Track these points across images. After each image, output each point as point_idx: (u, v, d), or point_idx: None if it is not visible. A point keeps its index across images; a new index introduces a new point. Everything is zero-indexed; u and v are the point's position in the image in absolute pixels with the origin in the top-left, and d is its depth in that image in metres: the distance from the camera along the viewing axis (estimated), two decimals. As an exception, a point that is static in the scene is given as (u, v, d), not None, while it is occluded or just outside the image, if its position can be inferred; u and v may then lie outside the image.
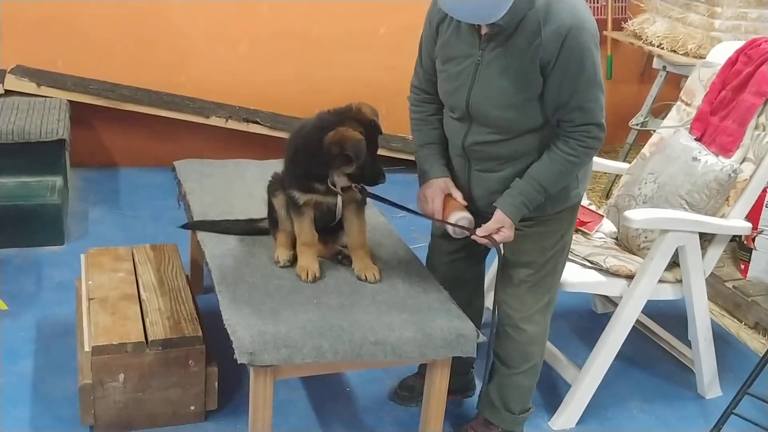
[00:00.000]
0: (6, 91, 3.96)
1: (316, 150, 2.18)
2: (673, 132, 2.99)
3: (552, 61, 2.06)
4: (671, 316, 3.25)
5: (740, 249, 3.68)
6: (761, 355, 2.93)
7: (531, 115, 2.15)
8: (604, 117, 2.16)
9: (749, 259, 3.61)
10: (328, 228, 2.42)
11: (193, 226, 2.67)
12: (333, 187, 2.27)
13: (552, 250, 2.37)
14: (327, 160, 2.18)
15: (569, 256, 2.70)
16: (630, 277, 2.67)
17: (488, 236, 2.24)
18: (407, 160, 4.46)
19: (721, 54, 3.02)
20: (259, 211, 2.57)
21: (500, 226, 2.22)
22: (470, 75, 2.17)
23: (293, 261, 2.38)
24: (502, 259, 2.35)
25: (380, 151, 2.33)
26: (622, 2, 5.12)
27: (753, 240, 3.55)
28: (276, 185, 2.44)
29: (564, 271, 2.51)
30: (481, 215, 2.32)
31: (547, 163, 2.18)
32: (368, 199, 2.38)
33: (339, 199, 2.32)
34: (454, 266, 2.54)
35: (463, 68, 2.18)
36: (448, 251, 2.53)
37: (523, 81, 2.10)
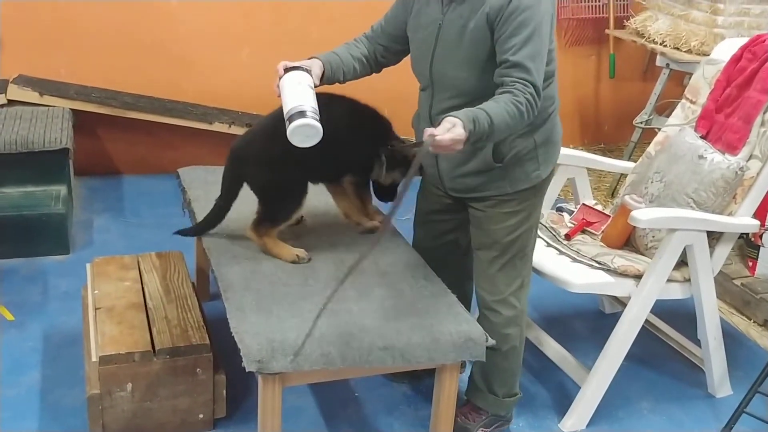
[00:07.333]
0: (9, 100, 3.95)
1: None
2: (679, 130, 2.97)
3: (498, 18, 2.08)
4: (680, 316, 3.23)
5: (748, 246, 3.66)
6: (771, 353, 2.92)
7: (486, 77, 2.15)
8: (541, 83, 2.10)
9: (757, 256, 3.59)
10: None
11: (195, 231, 2.68)
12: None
13: (517, 232, 2.38)
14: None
15: (576, 258, 2.71)
16: (638, 276, 2.65)
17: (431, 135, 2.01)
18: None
19: (725, 51, 3.00)
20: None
21: (450, 126, 2.00)
22: (433, 38, 2.23)
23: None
24: (473, 243, 2.46)
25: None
26: (623, 0, 5.11)
27: (761, 237, 3.53)
28: (297, 170, 2.45)
29: (572, 272, 2.50)
30: (447, 194, 2.43)
31: (494, 101, 2.07)
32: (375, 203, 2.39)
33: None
34: (443, 249, 2.59)
35: (428, 33, 2.24)
36: (433, 235, 2.60)
37: (476, 38, 2.13)
